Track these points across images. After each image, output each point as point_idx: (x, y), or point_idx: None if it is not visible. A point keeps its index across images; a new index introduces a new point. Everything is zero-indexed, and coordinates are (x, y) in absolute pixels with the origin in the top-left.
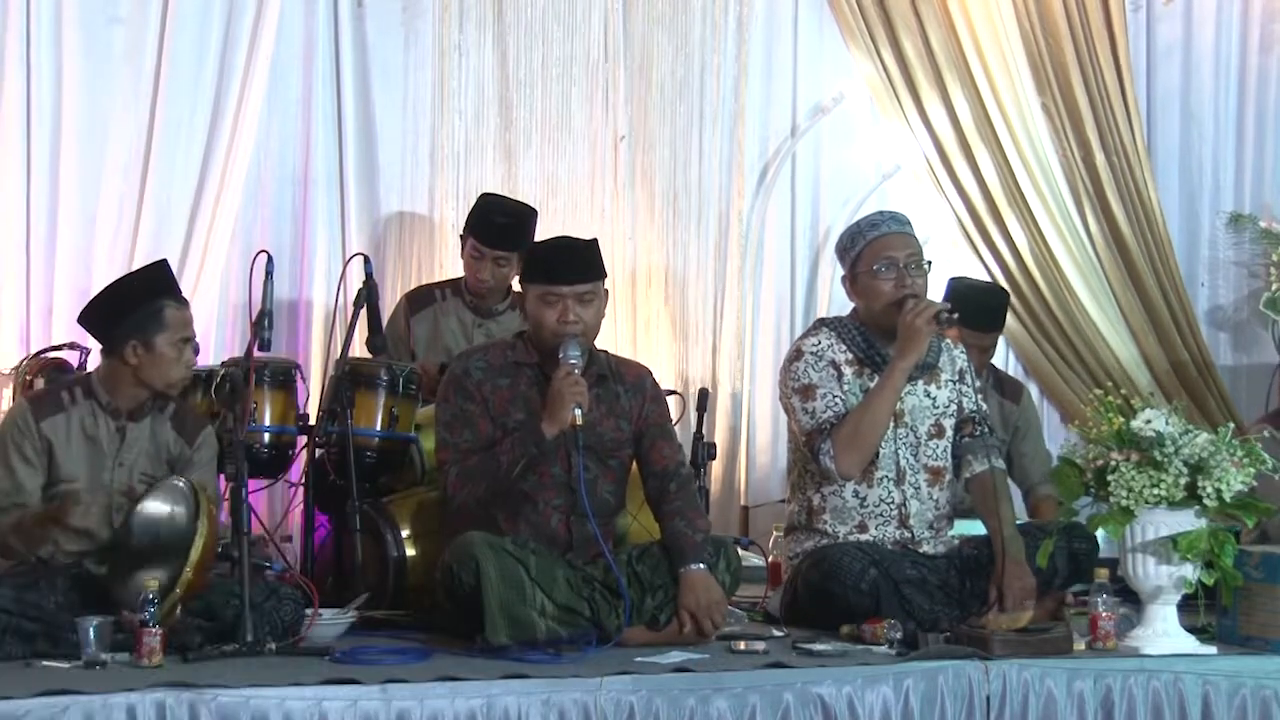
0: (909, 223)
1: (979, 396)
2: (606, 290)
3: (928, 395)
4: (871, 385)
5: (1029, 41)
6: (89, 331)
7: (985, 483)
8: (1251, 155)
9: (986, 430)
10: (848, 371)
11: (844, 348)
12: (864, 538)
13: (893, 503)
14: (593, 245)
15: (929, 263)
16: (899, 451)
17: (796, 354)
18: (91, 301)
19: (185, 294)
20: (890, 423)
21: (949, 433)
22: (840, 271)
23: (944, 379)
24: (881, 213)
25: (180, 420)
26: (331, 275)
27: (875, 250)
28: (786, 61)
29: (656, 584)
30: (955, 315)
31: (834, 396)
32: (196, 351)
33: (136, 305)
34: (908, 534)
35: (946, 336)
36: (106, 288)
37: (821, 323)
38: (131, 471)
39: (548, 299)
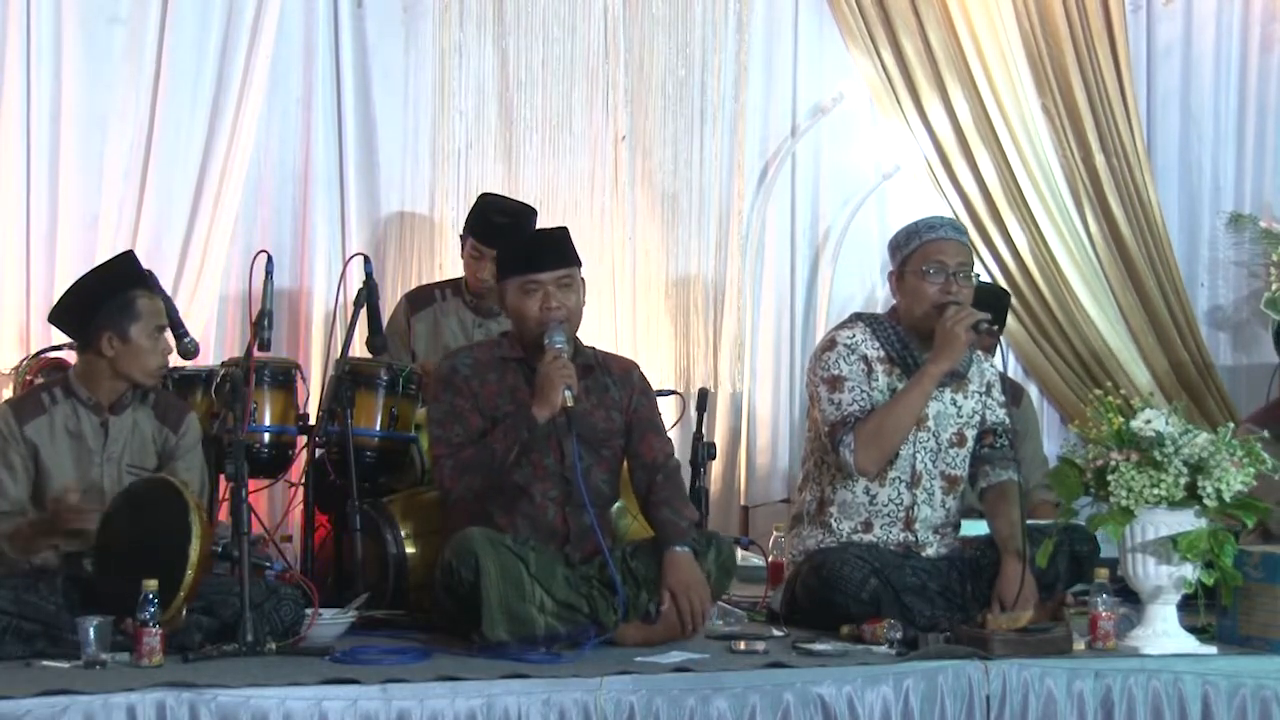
0: (966, 233)
1: (1004, 411)
2: (583, 279)
3: (954, 404)
4: (900, 386)
5: (1029, 42)
6: (61, 329)
7: (1003, 490)
8: (1251, 155)
9: (1007, 444)
10: (879, 369)
11: (877, 344)
12: (867, 537)
13: (901, 504)
14: (564, 232)
15: (977, 275)
16: (916, 455)
17: (830, 344)
18: (61, 299)
19: (185, 294)
20: (914, 426)
21: (970, 443)
22: (836, 270)
23: (971, 389)
24: (940, 217)
25: (162, 409)
26: (331, 275)
27: (928, 252)
28: (786, 61)
29: (651, 579)
30: (995, 327)
31: (861, 391)
32: (186, 340)
33: (108, 297)
34: (911, 537)
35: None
36: (75, 283)
37: (858, 317)
38: (119, 465)
39: (528, 288)
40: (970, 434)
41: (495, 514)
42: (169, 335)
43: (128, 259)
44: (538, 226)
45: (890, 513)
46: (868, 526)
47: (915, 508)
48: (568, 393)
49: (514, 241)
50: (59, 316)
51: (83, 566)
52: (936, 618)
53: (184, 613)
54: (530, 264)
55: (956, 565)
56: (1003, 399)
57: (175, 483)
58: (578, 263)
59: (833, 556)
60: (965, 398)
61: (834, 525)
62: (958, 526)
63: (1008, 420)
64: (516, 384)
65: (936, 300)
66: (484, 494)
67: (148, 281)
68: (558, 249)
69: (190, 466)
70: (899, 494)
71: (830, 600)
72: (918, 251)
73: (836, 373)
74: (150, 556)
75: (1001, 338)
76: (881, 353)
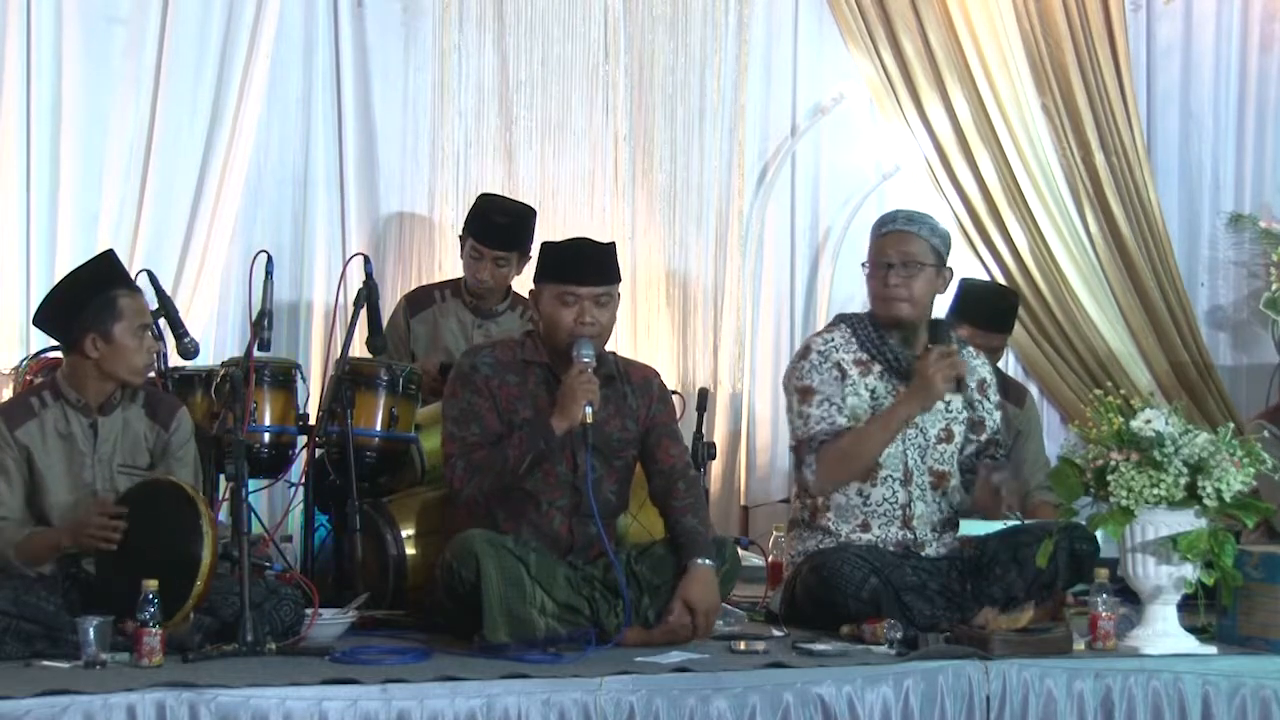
0: (921, 222)
1: (998, 415)
2: (619, 295)
3: (942, 399)
4: (879, 383)
5: (1029, 41)
6: (46, 332)
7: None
8: (1251, 155)
9: (1004, 456)
10: (853, 371)
11: (855, 345)
12: (866, 537)
13: (896, 503)
14: (611, 248)
15: (950, 269)
16: (907, 453)
17: (804, 351)
18: (44, 301)
19: (185, 294)
20: (881, 451)
21: (958, 438)
22: (836, 270)
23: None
24: (898, 211)
25: (152, 406)
26: (331, 275)
27: (875, 248)
28: (786, 61)
29: (656, 584)
30: (970, 388)
31: (830, 405)
32: (186, 340)
33: (90, 298)
34: (910, 535)
35: (963, 338)
36: (57, 285)
37: (841, 318)
38: (110, 465)
39: (565, 298)
40: (957, 430)
41: (500, 517)
42: (166, 333)
43: (108, 258)
44: (587, 237)
45: (886, 511)
46: (866, 527)
47: (911, 505)
48: (588, 409)
49: (561, 246)
50: (42, 320)
51: (82, 567)
52: (936, 617)
53: (190, 619)
54: (572, 274)
55: (956, 565)
56: (998, 399)
57: (188, 488)
58: (619, 280)
59: (832, 556)
60: (953, 394)
61: (831, 528)
62: (955, 524)
63: (1000, 425)
64: (537, 390)
65: (877, 293)
66: (492, 497)
67: (129, 280)
68: (602, 265)
69: (184, 463)
70: (893, 492)
71: (830, 600)
72: (870, 248)
73: (808, 383)
74: (158, 561)
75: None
76: (860, 354)
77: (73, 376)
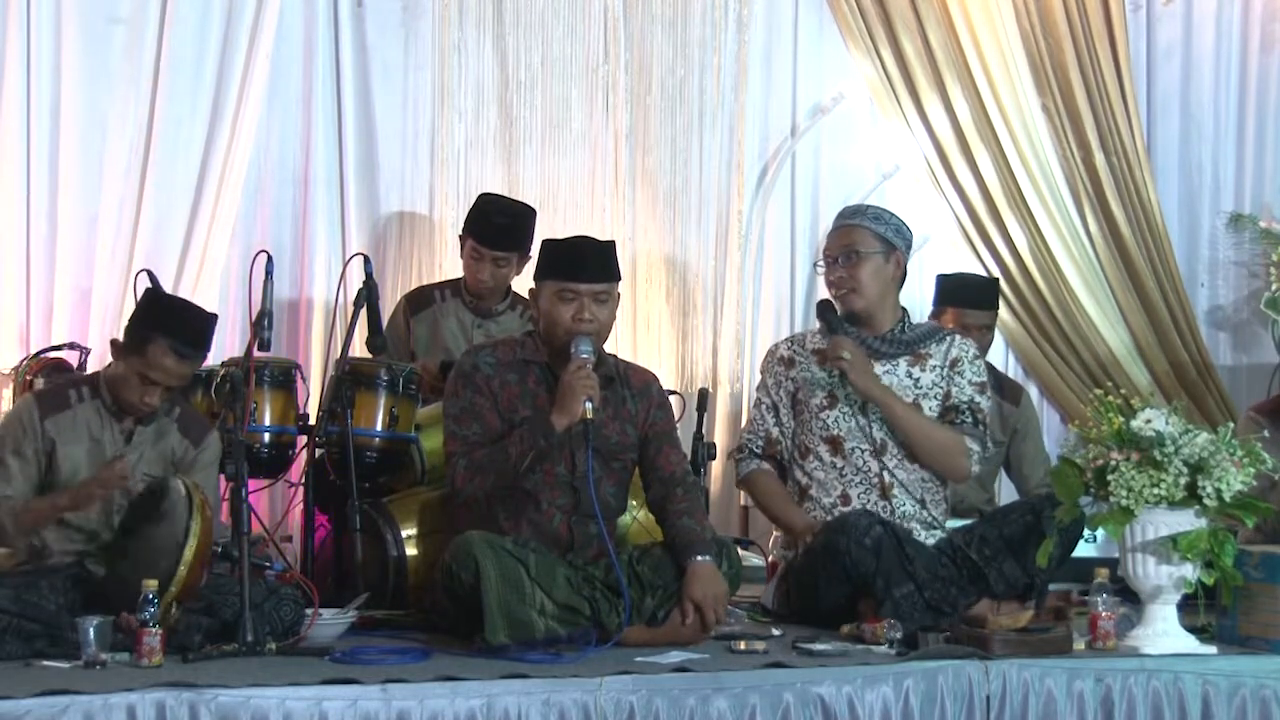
0: (863, 213)
1: (975, 390)
2: (619, 294)
3: (909, 375)
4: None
5: (1029, 42)
6: None
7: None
8: (1251, 155)
9: (971, 421)
10: (799, 363)
11: (818, 339)
12: (848, 509)
13: (871, 471)
14: (611, 246)
15: (902, 253)
16: (872, 425)
17: (769, 352)
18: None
19: (185, 294)
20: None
21: (928, 414)
22: None
23: (931, 364)
24: (845, 207)
25: (186, 423)
26: (331, 275)
27: (825, 247)
28: (786, 61)
29: (657, 584)
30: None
31: (760, 418)
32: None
33: (141, 325)
34: (889, 505)
35: (943, 323)
36: (147, 292)
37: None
38: (133, 473)
39: (564, 295)
40: (927, 405)
41: (500, 517)
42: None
43: (186, 312)
44: (587, 235)
45: (863, 480)
46: (846, 499)
47: (885, 474)
48: (588, 405)
49: (561, 243)
50: None
51: (85, 566)
52: (934, 585)
53: (174, 608)
54: (571, 272)
55: (946, 553)
56: (978, 380)
57: (188, 483)
58: (618, 278)
59: (837, 518)
60: (924, 371)
61: (814, 510)
62: (944, 509)
63: (977, 399)
64: (537, 389)
65: (829, 288)
66: (492, 496)
67: (182, 338)
68: (602, 262)
69: (205, 482)
70: (864, 462)
71: (835, 546)
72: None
73: (758, 392)
74: (152, 554)
75: (1001, 336)
76: (824, 345)
77: (112, 379)
